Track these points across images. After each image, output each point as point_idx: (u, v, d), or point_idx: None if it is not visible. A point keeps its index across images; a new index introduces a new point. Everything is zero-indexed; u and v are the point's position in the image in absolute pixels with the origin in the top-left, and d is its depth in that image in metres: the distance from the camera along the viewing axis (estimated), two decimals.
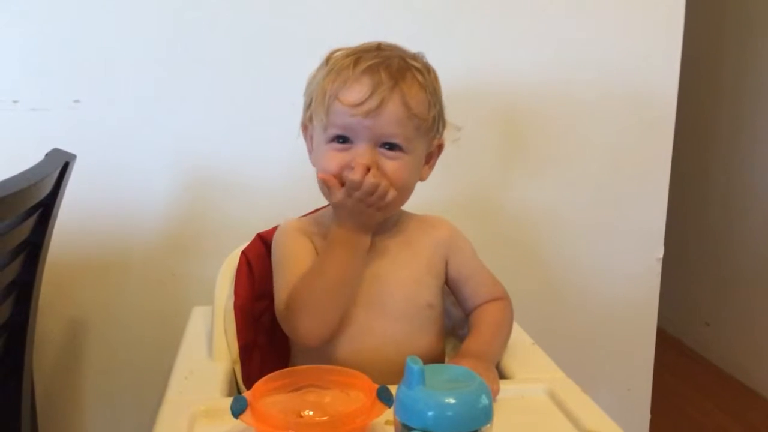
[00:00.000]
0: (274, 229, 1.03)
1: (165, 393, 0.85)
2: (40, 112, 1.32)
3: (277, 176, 1.37)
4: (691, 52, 1.56)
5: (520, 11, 1.41)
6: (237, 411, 0.67)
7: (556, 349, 0.98)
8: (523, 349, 0.97)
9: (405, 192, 0.90)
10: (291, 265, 0.91)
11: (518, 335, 1.02)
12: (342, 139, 0.86)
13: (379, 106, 0.83)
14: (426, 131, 0.89)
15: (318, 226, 0.95)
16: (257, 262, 1.02)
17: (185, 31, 1.33)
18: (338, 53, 0.90)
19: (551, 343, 1.01)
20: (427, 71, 0.89)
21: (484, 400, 0.60)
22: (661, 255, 1.53)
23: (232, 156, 1.38)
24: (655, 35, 1.45)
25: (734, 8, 2.22)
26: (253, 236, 1.05)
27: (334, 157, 0.86)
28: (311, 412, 0.71)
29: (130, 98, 1.34)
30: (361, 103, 0.83)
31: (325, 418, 0.69)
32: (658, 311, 1.56)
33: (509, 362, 0.92)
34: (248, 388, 0.93)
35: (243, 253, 1.03)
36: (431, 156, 0.94)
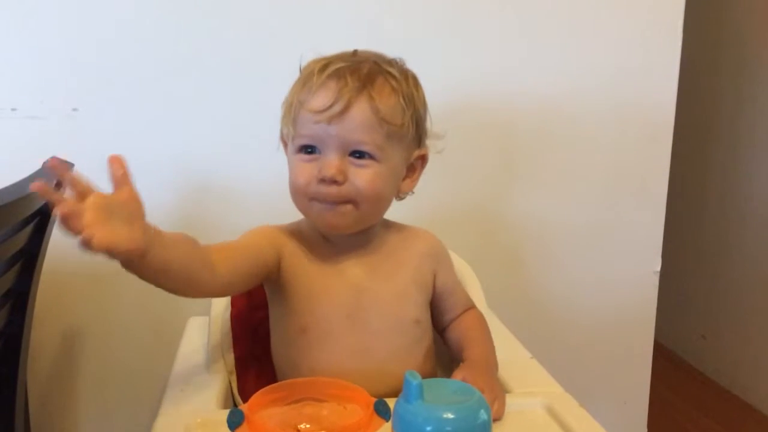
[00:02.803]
0: None
1: (161, 405, 0.84)
2: (38, 120, 1.32)
3: (274, 184, 1.36)
4: (690, 65, 1.57)
5: (522, 24, 1.41)
6: (233, 424, 0.66)
7: (552, 362, 0.98)
8: (521, 363, 0.97)
9: (379, 203, 0.86)
10: (238, 240, 0.87)
11: (516, 349, 1.02)
12: (309, 149, 0.82)
13: (344, 110, 0.79)
14: (400, 139, 0.84)
15: (294, 232, 0.91)
16: None
17: (182, 40, 1.33)
18: (312, 60, 0.86)
19: (548, 356, 1.01)
20: (404, 77, 0.85)
21: (483, 415, 0.60)
22: (658, 268, 1.53)
23: (229, 164, 1.38)
24: (653, 48, 1.45)
25: (732, 20, 2.23)
26: None
27: (303, 169, 0.83)
28: (308, 426, 0.70)
29: (127, 107, 1.33)
30: (326, 109, 0.79)
31: (322, 431, 0.68)
32: (655, 324, 1.56)
33: (507, 376, 0.91)
34: (243, 399, 0.93)
35: None
36: (413, 168, 0.90)
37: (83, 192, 0.61)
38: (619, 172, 1.49)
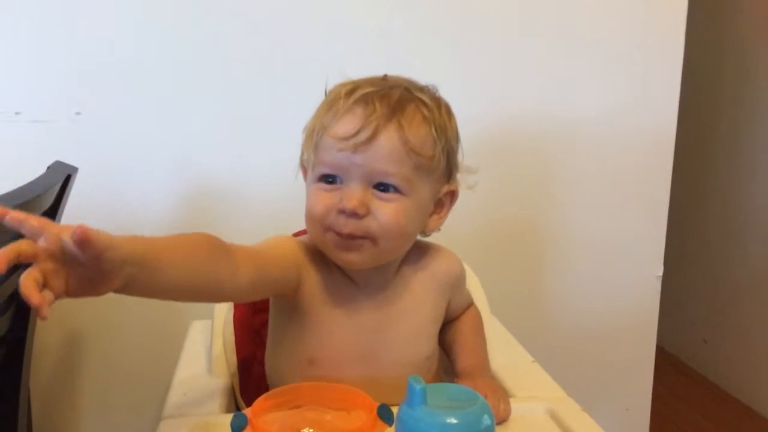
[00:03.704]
0: None
1: (164, 408, 0.84)
2: (41, 123, 1.33)
3: (278, 188, 1.37)
4: (692, 73, 1.57)
5: (530, 50, 1.43)
6: (237, 428, 0.66)
7: (555, 366, 0.98)
8: (523, 367, 0.97)
9: (401, 241, 0.79)
10: (260, 243, 0.79)
11: (518, 353, 1.02)
12: (331, 179, 0.76)
13: (371, 139, 0.73)
14: (430, 172, 0.77)
15: (315, 256, 0.83)
16: None
17: (187, 44, 1.33)
18: (338, 84, 0.80)
19: (550, 361, 1.01)
20: (437, 105, 0.78)
21: (486, 420, 0.60)
22: (660, 273, 1.53)
23: (232, 168, 1.38)
24: (656, 60, 1.46)
25: (734, 26, 2.23)
26: None
27: (321, 198, 0.76)
28: (311, 430, 0.70)
29: (131, 110, 1.34)
30: (351, 136, 0.73)
31: None
32: (657, 328, 1.56)
33: (509, 381, 0.91)
34: (246, 401, 0.93)
35: None
36: (441, 204, 0.83)
37: (33, 232, 0.55)
38: (621, 177, 1.49)
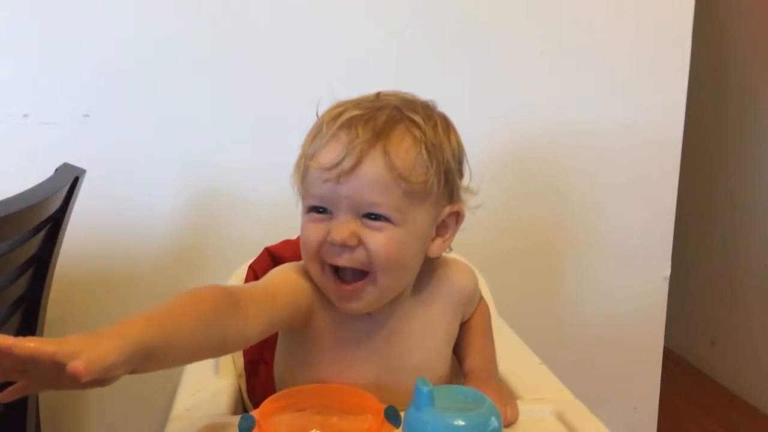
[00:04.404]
0: (283, 243, 1.02)
1: (171, 409, 0.85)
2: (49, 126, 1.33)
3: (285, 191, 1.36)
4: (699, 73, 1.57)
5: (544, 62, 1.45)
6: (245, 429, 0.67)
7: (562, 368, 0.98)
8: (530, 369, 0.97)
9: (399, 273, 0.74)
10: (266, 283, 0.76)
11: (525, 355, 1.02)
12: (321, 209, 0.72)
13: (354, 167, 0.68)
14: (424, 197, 0.72)
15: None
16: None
17: (194, 46, 1.34)
18: (328, 107, 0.75)
19: (558, 362, 1.01)
20: (431, 124, 0.73)
21: (494, 422, 0.60)
22: (668, 274, 1.53)
23: (239, 170, 1.38)
24: (662, 62, 1.47)
25: (740, 28, 2.22)
26: (260, 250, 1.05)
27: (312, 231, 0.72)
28: None
29: (138, 113, 1.34)
30: (334, 166, 0.68)
31: None
32: (666, 330, 1.56)
33: (517, 383, 0.91)
34: (253, 402, 0.93)
35: (251, 267, 1.02)
36: (445, 227, 0.77)
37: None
38: (629, 180, 1.49)
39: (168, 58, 1.33)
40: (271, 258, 1.03)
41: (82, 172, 1.06)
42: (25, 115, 1.32)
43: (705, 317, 2.38)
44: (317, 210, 0.72)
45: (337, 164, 0.68)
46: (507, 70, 1.43)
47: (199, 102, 1.35)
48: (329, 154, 0.69)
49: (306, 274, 0.77)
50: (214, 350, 0.67)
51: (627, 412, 1.57)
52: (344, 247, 0.70)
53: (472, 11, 1.40)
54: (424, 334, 0.81)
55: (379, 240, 0.70)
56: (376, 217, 0.70)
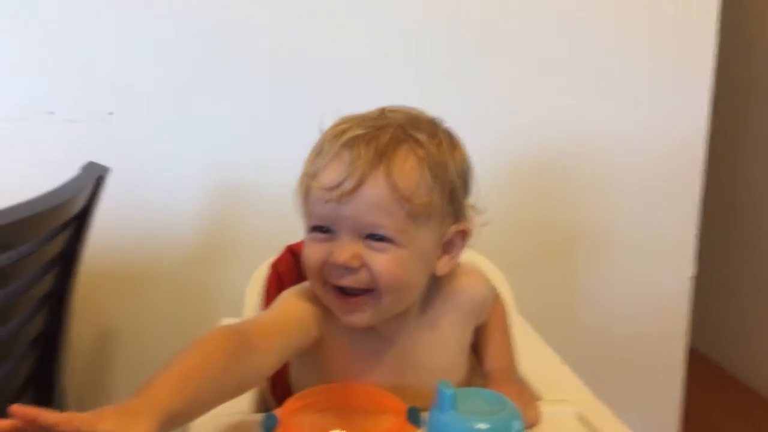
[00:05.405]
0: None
1: None
2: (74, 123, 1.35)
3: None
4: (723, 71, 1.55)
5: (566, 67, 1.45)
6: (268, 428, 0.67)
7: (585, 368, 0.97)
8: (551, 370, 0.96)
9: (403, 293, 0.73)
10: (275, 315, 0.75)
11: (546, 354, 1.01)
12: (324, 229, 0.71)
13: (356, 188, 0.67)
14: (428, 218, 0.70)
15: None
16: (287, 274, 1.01)
17: (217, 44, 1.34)
18: (332, 125, 0.73)
19: (580, 362, 1.00)
20: (435, 142, 0.71)
21: (516, 426, 0.60)
22: (692, 274, 1.51)
23: (263, 168, 1.39)
24: (686, 58, 1.45)
25: (763, 37, 2.19)
26: (282, 249, 1.05)
27: (315, 251, 0.71)
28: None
29: (161, 111, 1.36)
30: (336, 186, 0.67)
31: None
32: (691, 330, 1.54)
33: (537, 382, 0.90)
34: (276, 400, 0.94)
35: (273, 265, 1.03)
36: (452, 245, 0.76)
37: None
38: (652, 179, 1.48)
39: (192, 56, 1.34)
40: (293, 256, 1.03)
41: (107, 170, 1.07)
42: (50, 113, 1.34)
43: (731, 317, 2.35)
44: (320, 230, 0.71)
45: (339, 185, 0.67)
46: (527, 72, 1.43)
47: (223, 100, 1.36)
48: (331, 175, 0.68)
49: (313, 297, 0.76)
50: (233, 395, 0.67)
51: (650, 412, 1.56)
52: (347, 269, 0.69)
53: (488, 20, 1.40)
54: (436, 347, 0.80)
55: (382, 262, 0.69)
56: (380, 238, 0.69)
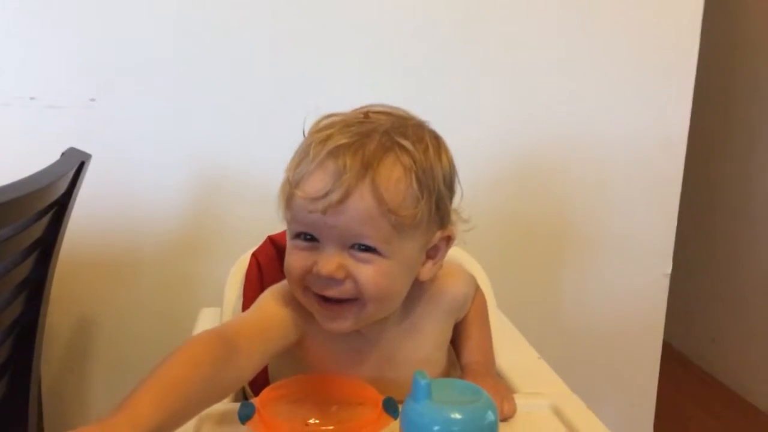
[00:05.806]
0: (285, 232, 1.03)
1: None
2: (56, 109, 1.34)
3: None
4: (704, 72, 1.56)
5: (548, 65, 1.46)
6: (244, 417, 0.67)
7: (561, 363, 0.98)
8: (528, 364, 0.97)
9: (386, 302, 0.73)
10: (257, 316, 0.75)
11: (523, 349, 1.02)
12: (308, 236, 0.70)
13: (342, 200, 0.65)
14: (414, 228, 0.69)
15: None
16: (267, 264, 1.01)
17: (201, 32, 1.34)
18: (315, 127, 0.72)
19: (556, 357, 1.01)
20: (422, 149, 0.70)
21: (491, 416, 0.60)
22: (669, 271, 1.53)
23: (244, 158, 1.39)
24: (668, 56, 1.47)
25: (746, 28, 2.21)
26: (263, 239, 1.05)
27: (298, 258, 0.70)
28: (317, 421, 0.71)
29: (144, 98, 1.35)
30: (320, 197, 0.66)
31: (330, 427, 0.69)
32: (664, 326, 1.56)
33: (514, 376, 0.91)
34: (253, 391, 0.94)
35: (253, 255, 1.03)
36: (436, 250, 0.76)
37: None
38: (630, 176, 1.49)
39: (176, 44, 1.34)
40: (274, 247, 1.03)
41: (88, 156, 1.06)
42: (32, 98, 1.33)
43: (706, 314, 2.38)
44: (304, 237, 0.70)
45: (324, 196, 0.66)
46: (514, 73, 1.44)
47: (206, 90, 1.36)
48: (316, 184, 0.66)
49: (293, 299, 0.76)
50: (214, 402, 0.67)
51: (624, 406, 1.58)
52: (331, 280, 0.68)
53: (476, 21, 1.40)
54: (417, 346, 0.81)
55: (368, 273, 0.68)
56: (365, 248, 0.68)
